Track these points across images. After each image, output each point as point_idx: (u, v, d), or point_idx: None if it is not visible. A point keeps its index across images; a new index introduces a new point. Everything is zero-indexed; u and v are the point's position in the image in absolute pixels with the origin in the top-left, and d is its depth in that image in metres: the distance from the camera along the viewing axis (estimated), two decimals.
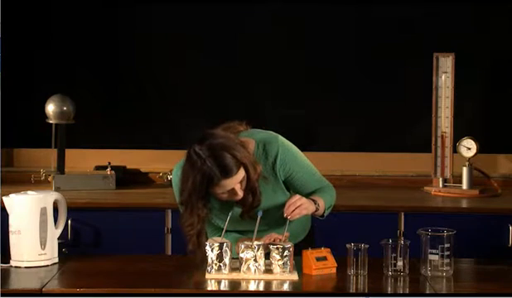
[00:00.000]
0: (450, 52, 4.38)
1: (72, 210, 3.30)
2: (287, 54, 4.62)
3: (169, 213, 4.01)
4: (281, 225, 2.92)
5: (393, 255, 2.83)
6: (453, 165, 4.39)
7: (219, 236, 2.89)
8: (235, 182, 2.80)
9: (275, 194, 2.99)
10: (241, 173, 2.80)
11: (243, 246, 2.81)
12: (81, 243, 3.99)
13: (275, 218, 2.95)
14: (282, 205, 2.92)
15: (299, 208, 2.88)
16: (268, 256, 2.83)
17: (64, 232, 3.10)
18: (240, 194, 2.84)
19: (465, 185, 4.34)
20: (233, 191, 2.82)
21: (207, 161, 2.75)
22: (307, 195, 2.98)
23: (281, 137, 2.99)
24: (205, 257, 2.85)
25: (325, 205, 3.00)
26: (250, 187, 2.86)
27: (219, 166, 2.75)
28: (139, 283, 2.76)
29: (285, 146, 2.98)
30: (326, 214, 3.04)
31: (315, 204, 2.95)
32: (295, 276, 2.80)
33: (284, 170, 2.97)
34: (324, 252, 2.88)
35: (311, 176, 3.04)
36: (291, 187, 3.02)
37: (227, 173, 2.76)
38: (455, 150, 4.38)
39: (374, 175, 4.63)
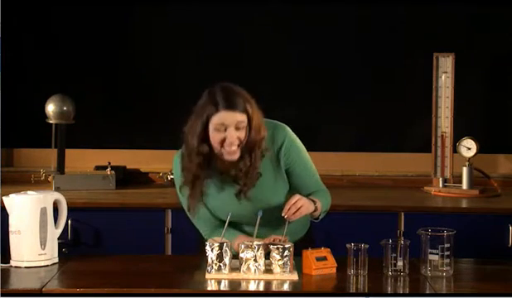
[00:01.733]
0: (450, 52, 4.38)
1: (72, 210, 3.30)
2: (287, 54, 4.62)
3: (169, 213, 4.01)
4: (280, 222, 2.93)
5: (393, 255, 2.83)
6: (453, 165, 4.39)
7: (220, 234, 2.90)
8: (234, 120, 2.84)
9: (275, 182, 3.00)
10: (243, 118, 2.86)
11: (243, 246, 2.81)
12: (81, 243, 3.99)
13: (275, 215, 2.95)
14: (282, 196, 2.95)
15: (299, 210, 2.90)
16: (268, 256, 2.83)
17: (64, 232, 3.11)
18: (236, 143, 2.86)
19: (465, 185, 4.34)
20: (230, 136, 2.84)
21: (217, 90, 2.88)
22: (305, 196, 2.98)
23: (289, 129, 3.04)
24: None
25: (321, 209, 3.02)
26: (249, 148, 2.89)
27: (225, 97, 2.86)
28: (139, 283, 2.76)
29: (292, 137, 3.02)
30: (320, 218, 3.05)
31: (314, 204, 2.96)
32: (295, 276, 2.80)
33: (287, 160, 3.00)
34: (324, 252, 2.88)
35: (311, 176, 3.06)
36: (289, 181, 3.03)
37: (230, 105, 2.84)
38: (455, 150, 4.38)
39: (374, 175, 4.63)
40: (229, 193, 2.98)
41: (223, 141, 2.86)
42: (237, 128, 2.86)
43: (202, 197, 2.98)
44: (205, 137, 2.88)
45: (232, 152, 2.88)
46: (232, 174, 2.95)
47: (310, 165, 3.06)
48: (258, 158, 2.92)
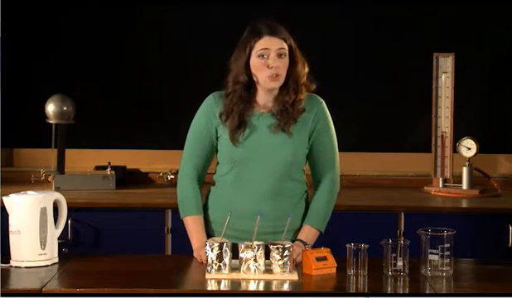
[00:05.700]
0: (450, 52, 4.38)
1: (72, 210, 3.30)
2: None
3: (169, 213, 4.01)
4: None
5: (393, 255, 2.83)
6: (453, 165, 4.39)
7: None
8: (277, 46, 2.98)
9: (298, 147, 3.06)
10: (284, 46, 3.00)
11: (243, 246, 2.82)
12: (81, 243, 3.99)
13: (284, 188, 3.05)
14: (299, 168, 3.08)
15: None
16: (268, 256, 2.83)
17: (64, 232, 3.10)
18: (277, 70, 2.97)
19: (465, 185, 4.34)
20: (272, 61, 2.97)
21: (259, 22, 3.04)
22: (320, 169, 3.13)
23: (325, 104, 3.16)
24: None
25: (314, 238, 3.10)
26: (294, 80, 3.03)
27: (267, 26, 3.02)
28: (139, 283, 2.76)
29: (326, 109, 3.14)
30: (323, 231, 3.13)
31: (305, 245, 3.03)
32: (295, 276, 2.80)
33: (316, 126, 3.09)
34: (324, 252, 2.88)
35: (333, 151, 3.16)
36: (311, 150, 3.11)
37: (272, 31, 3.00)
38: (455, 150, 4.38)
39: (374, 175, 4.63)
40: (263, 133, 3.03)
41: (266, 68, 2.98)
42: (279, 56, 2.98)
43: (243, 128, 3.05)
44: (246, 68, 3.02)
45: (274, 78, 2.99)
46: (275, 109, 3.04)
47: (334, 140, 3.16)
48: (303, 93, 3.06)
